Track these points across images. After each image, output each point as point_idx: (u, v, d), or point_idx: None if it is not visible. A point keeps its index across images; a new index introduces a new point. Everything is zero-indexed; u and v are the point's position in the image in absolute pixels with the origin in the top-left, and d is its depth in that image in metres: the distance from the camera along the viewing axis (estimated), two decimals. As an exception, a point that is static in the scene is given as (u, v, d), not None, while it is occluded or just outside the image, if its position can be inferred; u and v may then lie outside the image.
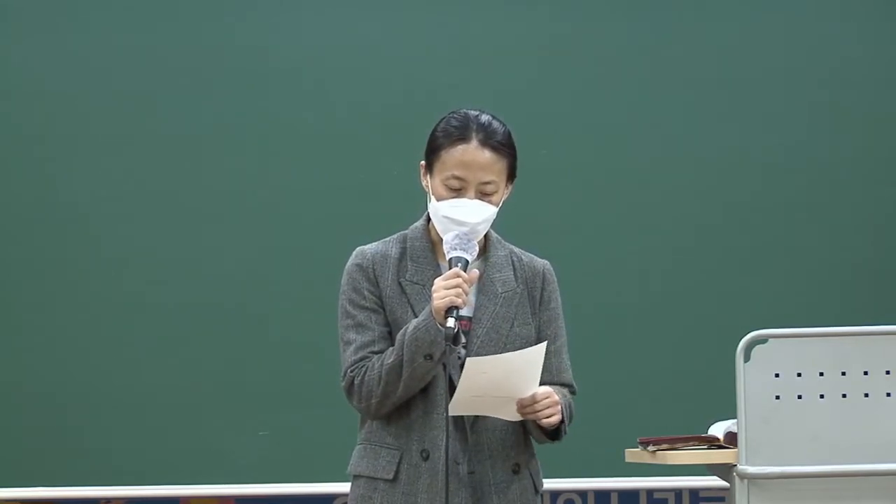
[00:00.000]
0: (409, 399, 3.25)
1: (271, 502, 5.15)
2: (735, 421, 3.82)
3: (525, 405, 3.19)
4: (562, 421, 3.26)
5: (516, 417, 3.23)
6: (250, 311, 5.07)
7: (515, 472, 3.30)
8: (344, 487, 3.41)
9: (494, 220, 3.31)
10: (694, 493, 5.24)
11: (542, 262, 3.41)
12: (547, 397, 3.20)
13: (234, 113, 5.13)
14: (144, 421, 5.02)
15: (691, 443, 3.90)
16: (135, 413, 5.03)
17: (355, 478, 3.33)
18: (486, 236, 3.33)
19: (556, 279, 3.40)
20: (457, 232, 3.21)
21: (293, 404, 5.04)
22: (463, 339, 3.18)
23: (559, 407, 3.22)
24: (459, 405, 3.16)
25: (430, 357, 3.17)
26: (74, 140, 5.11)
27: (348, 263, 3.36)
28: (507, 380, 3.15)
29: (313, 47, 5.18)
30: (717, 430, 3.96)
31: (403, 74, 5.17)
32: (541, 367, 3.17)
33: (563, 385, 3.34)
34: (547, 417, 3.20)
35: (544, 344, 3.19)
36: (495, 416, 3.24)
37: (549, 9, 5.23)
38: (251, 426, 5.05)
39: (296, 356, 5.03)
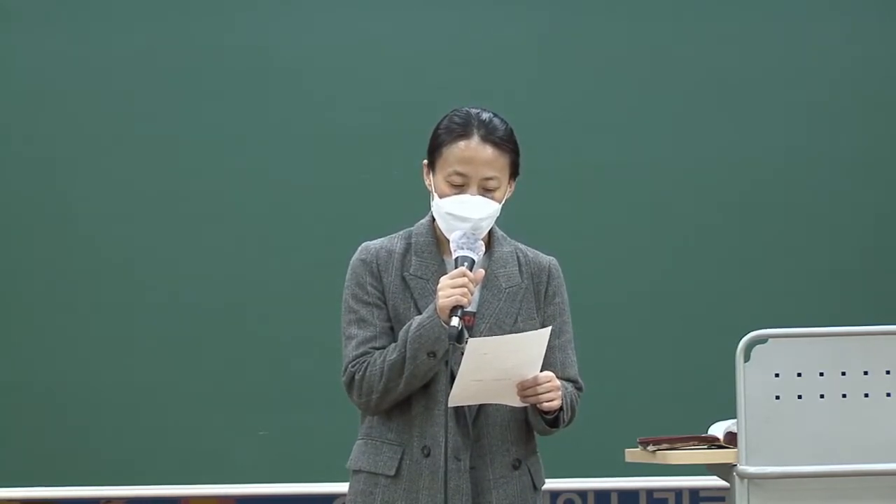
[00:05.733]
0: (411, 395, 3.26)
1: (271, 502, 5.15)
2: (735, 421, 3.82)
3: (526, 387, 3.20)
4: (561, 408, 3.26)
5: (517, 402, 3.23)
6: (250, 311, 5.07)
7: (515, 467, 3.31)
8: (344, 487, 3.41)
9: (498, 220, 3.32)
10: (694, 493, 5.24)
11: (547, 258, 3.42)
12: (549, 381, 3.21)
13: (235, 113, 5.14)
14: (144, 421, 5.02)
15: (691, 443, 3.90)
16: (135, 413, 5.03)
17: (355, 472, 3.34)
18: (490, 233, 3.34)
19: (562, 276, 3.41)
20: (463, 231, 3.22)
21: (293, 404, 5.04)
22: (466, 336, 3.18)
23: (560, 392, 3.23)
24: (459, 392, 3.17)
25: (433, 355, 3.18)
26: (74, 140, 5.11)
27: (353, 258, 3.37)
28: (508, 362, 3.15)
29: (314, 47, 5.18)
30: (717, 430, 3.96)
31: (404, 74, 5.17)
32: (543, 350, 3.18)
33: (567, 380, 3.34)
34: (548, 401, 3.21)
35: (548, 329, 3.20)
36: (496, 401, 3.25)
37: (549, 9, 5.23)
38: (251, 426, 5.05)
39: (296, 356, 5.04)
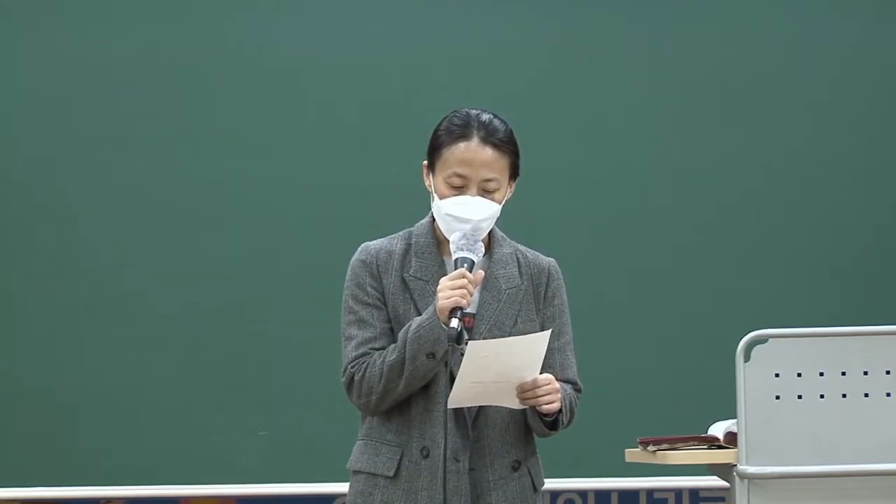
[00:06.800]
0: (410, 395, 3.26)
1: (271, 502, 5.15)
2: (735, 421, 3.82)
3: (525, 389, 3.20)
4: (560, 410, 3.26)
5: (516, 404, 3.23)
6: (250, 311, 5.07)
7: (515, 469, 3.31)
8: (344, 487, 3.41)
9: (498, 220, 3.31)
10: (694, 493, 5.24)
11: (547, 260, 3.42)
12: (548, 383, 3.21)
13: (234, 113, 5.14)
14: (144, 421, 5.02)
15: (691, 443, 3.90)
16: (135, 413, 5.03)
17: (355, 473, 3.34)
18: (490, 234, 3.34)
19: (562, 277, 3.40)
20: (463, 232, 3.22)
21: (293, 404, 5.04)
22: (466, 337, 3.18)
23: (559, 395, 3.23)
24: (459, 394, 3.17)
25: (432, 356, 3.18)
26: (74, 140, 5.11)
27: (353, 259, 3.37)
28: (508, 364, 3.15)
29: (313, 47, 5.18)
30: (717, 430, 3.96)
31: (404, 74, 5.17)
32: (543, 353, 3.18)
33: (566, 382, 3.34)
34: (547, 403, 3.21)
35: (548, 332, 3.20)
36: (495, 404, 3.25)
37: (550, 9, 5.23)
38: (251, 426, 5.05)
39: (296, 356, 5.03)
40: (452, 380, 3.17)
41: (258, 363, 5.06)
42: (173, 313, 5.07)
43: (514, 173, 3.32)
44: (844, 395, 3.80)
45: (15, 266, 5.08)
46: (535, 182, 4.64)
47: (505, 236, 3.39)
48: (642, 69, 5.22)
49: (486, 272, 3.29)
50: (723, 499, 5.17)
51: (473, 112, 3.31)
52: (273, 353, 5.06)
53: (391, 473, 3.27)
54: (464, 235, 3.22)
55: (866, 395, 3.80)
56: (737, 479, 3.77)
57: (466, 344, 3.15)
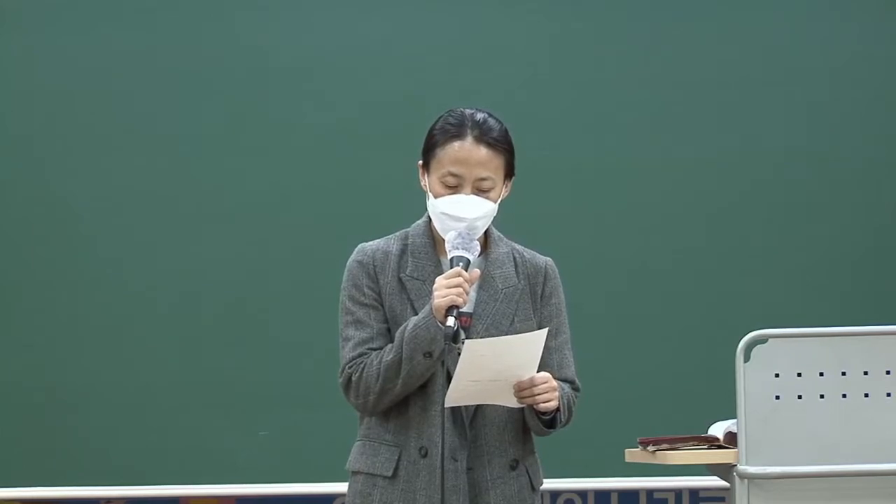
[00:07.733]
0: (408, 395, 3.26)
1: (271, 502, 5.15)
2: (735, 421, 3.82)
3: (523, 388, 3.20)
4: (558, 409, 3.26)
5: (514, 402, 3.24)
6: (250, 310, 5.07)
7: (513, 468, 3.31)
8: (344, 487, 3.41)
9: (495, 219, 3.31)
10: (694, 493, 5.24)
11: (544, 259, 3.42)
12: (545, 382, 3.21)
13: (235, 113, 5.14)
14: (144, 421, 5.02)
15: (691, 443, 3.90)
16: (135, 413, 5.03)
17: (354, 474, 3.34)
18: (486, 234, 3.34)
19: (558, 276, 3.41)
20: (458, 231, 3.22)
21: (293, 404, 5.04)
22: (463, 336, 3.19)
23: (557, 393, 3.23)
24: (456, 393, 3.17)
25: (429, 355, 3.18)
26: (75, 140, 5.11)
27: (349, 260, 3.37)
28: (505, 363, 3.15)
29: (315, 47, 5.18)
30: (717, 430, 3.96)
31: (404, 74, 5.17)
32: (540, 352, 3.18)
33: (564, 381, 3.35)
34: (545, 402, 3.21)
35: (545, 330, 3.20)
36: (492, 402, 3.25)
37: (550, 9, 5.23)
38: (251, 426, 5.05)
39: (296, 356, 5.03)
40: (449, 379, 3.16)
41: (258, 363, 5.06)
42: (173, 313, 5.07)
43: (509, 172, 3.33)
44: (844, 395, 3.80)
45: (15, 266, 5.08)
46: (534, 181, 4.65)
47: (501, 236, 3.39)
48: (642, 69, 5.22)
49: (482, 272, 3.29)
50: (723, 499, 5.17)
51: (468, 111, 3.31)
52: (273, 354, 5.06)
53: (389, 473, 3.27)
54: (459, 234, 3.22)
55: (866, 396, 3.81)
56: (737, 479, 3.77)
57: (463, 343, 3.15)
